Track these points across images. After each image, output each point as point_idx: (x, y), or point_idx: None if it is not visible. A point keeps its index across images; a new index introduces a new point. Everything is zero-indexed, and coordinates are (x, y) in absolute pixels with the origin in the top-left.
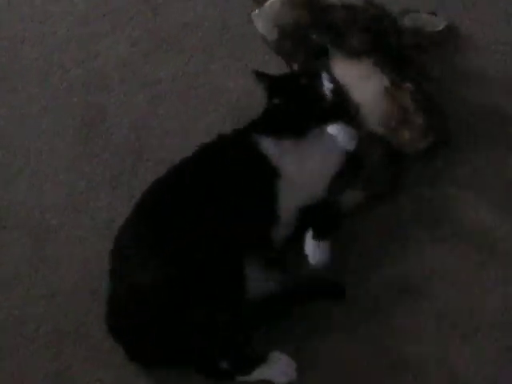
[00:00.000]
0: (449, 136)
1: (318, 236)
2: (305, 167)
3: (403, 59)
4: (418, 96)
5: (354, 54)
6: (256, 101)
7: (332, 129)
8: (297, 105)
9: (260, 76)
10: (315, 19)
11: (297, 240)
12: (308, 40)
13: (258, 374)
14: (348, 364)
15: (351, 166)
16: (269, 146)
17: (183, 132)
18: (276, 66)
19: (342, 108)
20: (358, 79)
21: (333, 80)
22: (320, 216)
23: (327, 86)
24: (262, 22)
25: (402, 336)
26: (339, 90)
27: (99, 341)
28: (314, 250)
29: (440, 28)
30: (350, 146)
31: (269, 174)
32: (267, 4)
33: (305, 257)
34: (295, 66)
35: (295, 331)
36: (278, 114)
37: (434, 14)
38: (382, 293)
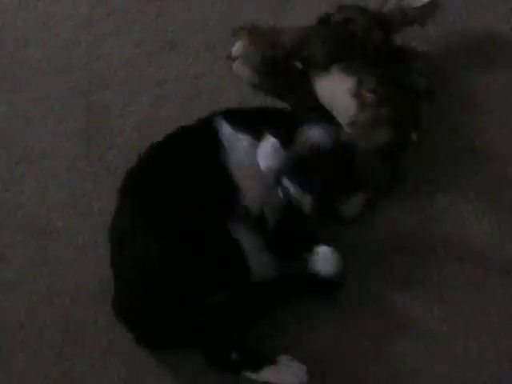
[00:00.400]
0: (417, 130)
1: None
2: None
3: (389, 54)
4: (380, 91)
5: (323, 67)
6: (259, 102)
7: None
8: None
9: None
10: (278, 49)
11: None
12: (283, 71)
13: (267, 374)
14: (350, 364)
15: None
16: (225, 131)
17: None
18: None
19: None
20: (330, 89)
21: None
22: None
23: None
24: (241, 71)
25: (403, 333)
26: None
27: (101, 343)
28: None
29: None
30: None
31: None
32: (233, 52)
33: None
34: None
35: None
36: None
37: None
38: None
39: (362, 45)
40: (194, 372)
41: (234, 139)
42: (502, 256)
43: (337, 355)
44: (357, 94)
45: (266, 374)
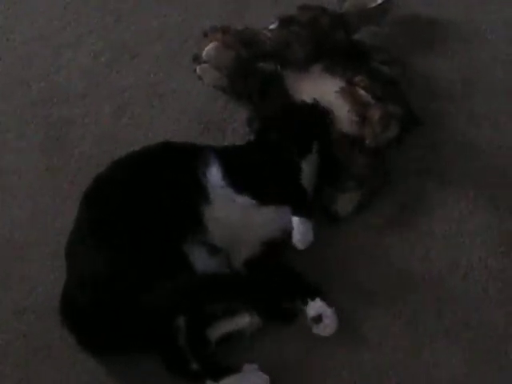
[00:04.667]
0: (415, 120)
1: (296, 213)
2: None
3: (355, 52)
4: (375, 87)
5: (303, 67)
6: (220, 106)
7: (294, 220)
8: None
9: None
10: (252, 50)
11: None
12: (257, 72)
13: (229, 382)
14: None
15: (336, 172)
16: (212, 178)
17: (149, 141)
18: None
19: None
20: (315, 89)
21: None
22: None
23: None
24: (208, 73)
25: (368, 346)
26: None
27: (69, 357)
28: (296, 228)
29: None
30: (299, 245)
31: (199, 196)
32: (204, 54)
33: None
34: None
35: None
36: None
37: None
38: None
39: (330, 44)
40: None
41: (218, 187)
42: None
43: (301, 367)
44: (350, 94)
45: (228, 382)
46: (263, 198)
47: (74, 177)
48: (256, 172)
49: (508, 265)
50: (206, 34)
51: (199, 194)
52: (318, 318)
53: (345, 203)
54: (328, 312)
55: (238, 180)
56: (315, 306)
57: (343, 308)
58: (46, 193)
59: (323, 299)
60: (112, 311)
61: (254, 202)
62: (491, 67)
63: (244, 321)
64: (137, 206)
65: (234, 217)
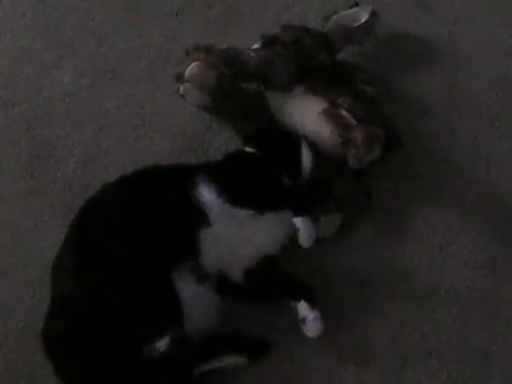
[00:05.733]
0: (398, 140)
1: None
2: (230, 238)
3: (339, 72)
4: (357, 109)
5: (286, 88)
6: (203, 126)
7: (296, 221)
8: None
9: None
10: (236, 70)
11: None
12: (240, 92)
13: None
14: None
15: (320, 194)
16: (207, 198)
17: (132, 162)
18: None
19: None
20: (297, 110)
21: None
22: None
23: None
24: (191, 93)
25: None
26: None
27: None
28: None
29: (365, 18)
30: (306, 244)
31: (196, 220)
32: (186, 74)
33: None
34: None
35: None
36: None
37: (356, 4)
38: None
39: (313, 64)
40: None
41: (215, 205)
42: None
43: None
44: (333, 115)
45: None
46: (262, 206)
47: (56, 200)
48: (250, 182)
49: (490, 286)
50: (188, 53)
51: (196, 217)
52: (302, 320)
53: (327, 225)
54: (310, 315)
55: (234, 194)
56: (300, 308)
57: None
58: (27, 216)
59: (310, 301)
60: (91, 341)
61: (253, 213)
62: (474, 86)
63: (228, 361)
64: (127, 233)
65: (233, 233)
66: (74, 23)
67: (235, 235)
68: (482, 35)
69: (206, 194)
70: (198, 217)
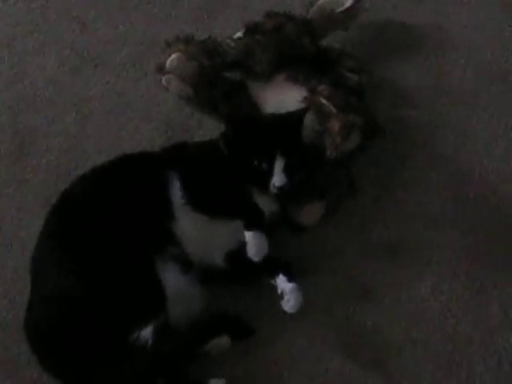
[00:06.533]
0: (378, 130)
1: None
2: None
3: (323, 59)
4: (337, 97)
5: (266, 76)
6: (187, 114)
7: (247, 234)
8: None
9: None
10: (215, 60)
11: None
12: (221, 81)
13: None
14: None
15: (301, 183)
16: (175, 194)
17: (115, 150)
18: None
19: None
20: (278, 98)
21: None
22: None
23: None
24: (173, 83)
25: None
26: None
27: (30, 375)
28: (249, 242)
29: (349, 3)
30: (254, 258)
31: (166, 212)
32: (167, 64)
33: None
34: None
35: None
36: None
37: None
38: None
39: (295, 51)
40: None
41: (180, 203)
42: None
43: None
44: (312, 103)
45: None
46: (215, 214)
47: (39, 188)
48: (209, 189)
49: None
50: (168, 45)
51: (165, 209)
52: (281, 295)
53: (309, 214)
54: (287, 287)
55: (194, 198)
56: (278, 282)
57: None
58: (10, 205)
59: (288, 274)
60: (75, 332)
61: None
62: (462, 73)
63: (213, 342)
64: (104, 223)
65: (199, 227)
66: (58, 9)
67: (202, 228)
68: (468, 22)
69: (174, 189)
70: (168, 208)
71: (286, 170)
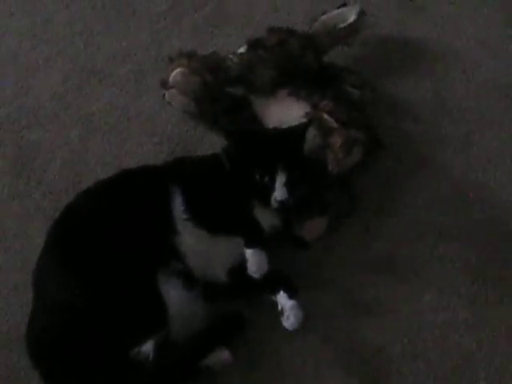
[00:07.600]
0: (380, 145)
1: (248, 245)
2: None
3: (325, 75)
4: (339, 113)
5: (269, 91)
6: (190, 129)
7: (247, 252)
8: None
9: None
10: (218, 76)
11: None
12: (224, 97)
13: None
14: None
15: (303, 198)
16: (179, 208)
17: (118, 165)
18: None
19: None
20: (281, 114)
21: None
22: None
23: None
24: (176, 98)
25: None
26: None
27: None
28: (249, 259)
29: (352, 18)
30: (254, 274)
31: (168, 227)
32: (171, 79)
33: None
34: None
35: None
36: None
37: (344, 4)
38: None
39: (298, 67)
40: None
41: (180, 217)
42: None
43: None
44: (315, 118)
45: None
46: (216, 231)
47: (41, 202)
48: (209, 205)
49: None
50: (171, 60)
51: (168, 223)
52: (281, 311)
53: (311, 229)
54: (288, 305)
55: (195, 214)
56: (279, 299)
57: None
58: (13, 219)
59: (289, 291)
60: (76, 346)
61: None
62: (464, 88)
63: (214, 356)
64: (107, 238)
65: (201, 242)
66: (62, 25)
67: (204, 243)
68: (471, 37)
69: (176, 204)
70: (170, 223)
71: (288, 185)
